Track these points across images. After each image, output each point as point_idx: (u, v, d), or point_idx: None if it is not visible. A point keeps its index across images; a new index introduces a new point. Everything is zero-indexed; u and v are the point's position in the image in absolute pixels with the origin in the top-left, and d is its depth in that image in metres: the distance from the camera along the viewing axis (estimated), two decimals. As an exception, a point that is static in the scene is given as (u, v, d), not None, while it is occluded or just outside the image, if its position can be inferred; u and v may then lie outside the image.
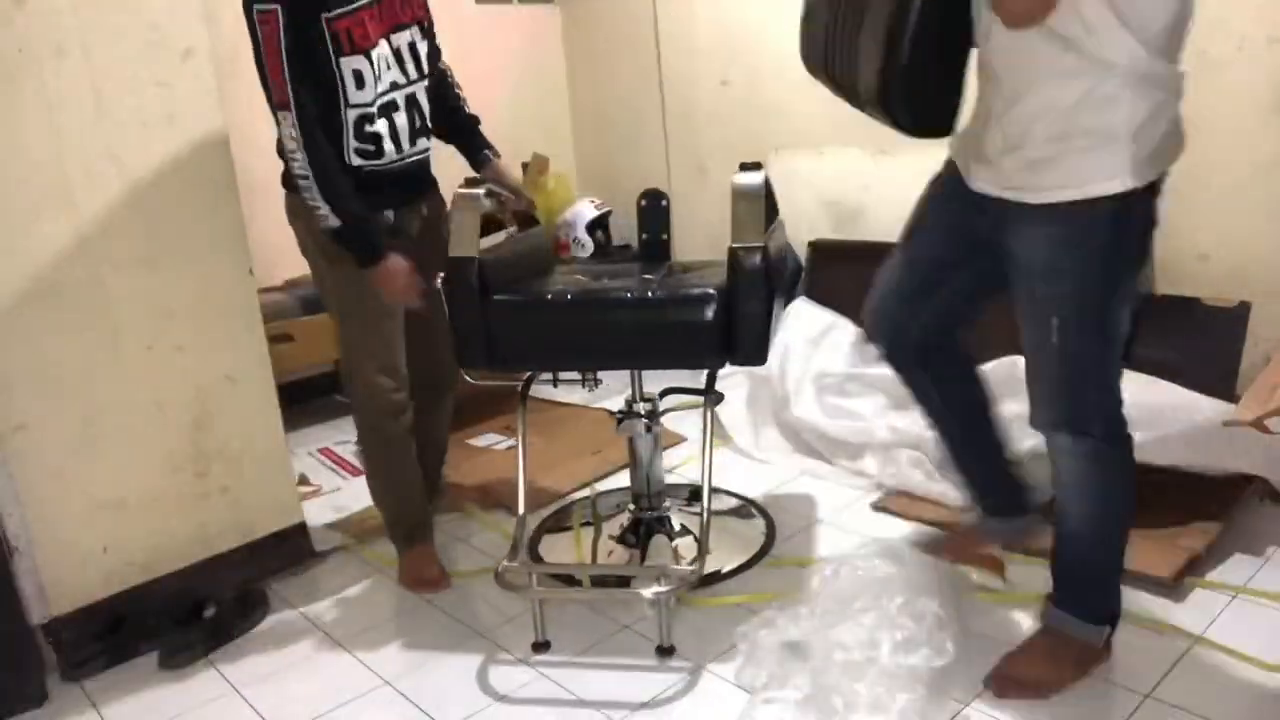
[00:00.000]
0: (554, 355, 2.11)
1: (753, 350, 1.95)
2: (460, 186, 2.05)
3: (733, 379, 3.00)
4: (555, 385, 2.32)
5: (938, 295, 1.71)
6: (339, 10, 1.80)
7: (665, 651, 1.84)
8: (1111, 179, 1.44)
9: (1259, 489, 2.17)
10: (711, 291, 1.93)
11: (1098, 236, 1.45)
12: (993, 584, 1.95)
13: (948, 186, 1.68)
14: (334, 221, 1.85)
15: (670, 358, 2.10)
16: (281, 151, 1.85)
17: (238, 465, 2.21)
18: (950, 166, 1.68)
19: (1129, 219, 1.48)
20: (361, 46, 1.85)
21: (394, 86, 1.94)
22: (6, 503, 1.89)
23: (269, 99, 1.79)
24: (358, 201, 1.89)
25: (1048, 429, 1.59)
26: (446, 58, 2.16)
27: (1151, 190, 1.51)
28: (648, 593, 1.94)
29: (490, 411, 3.19)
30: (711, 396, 2.16)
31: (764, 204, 1.96)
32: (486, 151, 2.21)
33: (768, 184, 2.00)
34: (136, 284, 2.00)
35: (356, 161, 1.93)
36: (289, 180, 1.92)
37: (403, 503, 2.21)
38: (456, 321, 2.00)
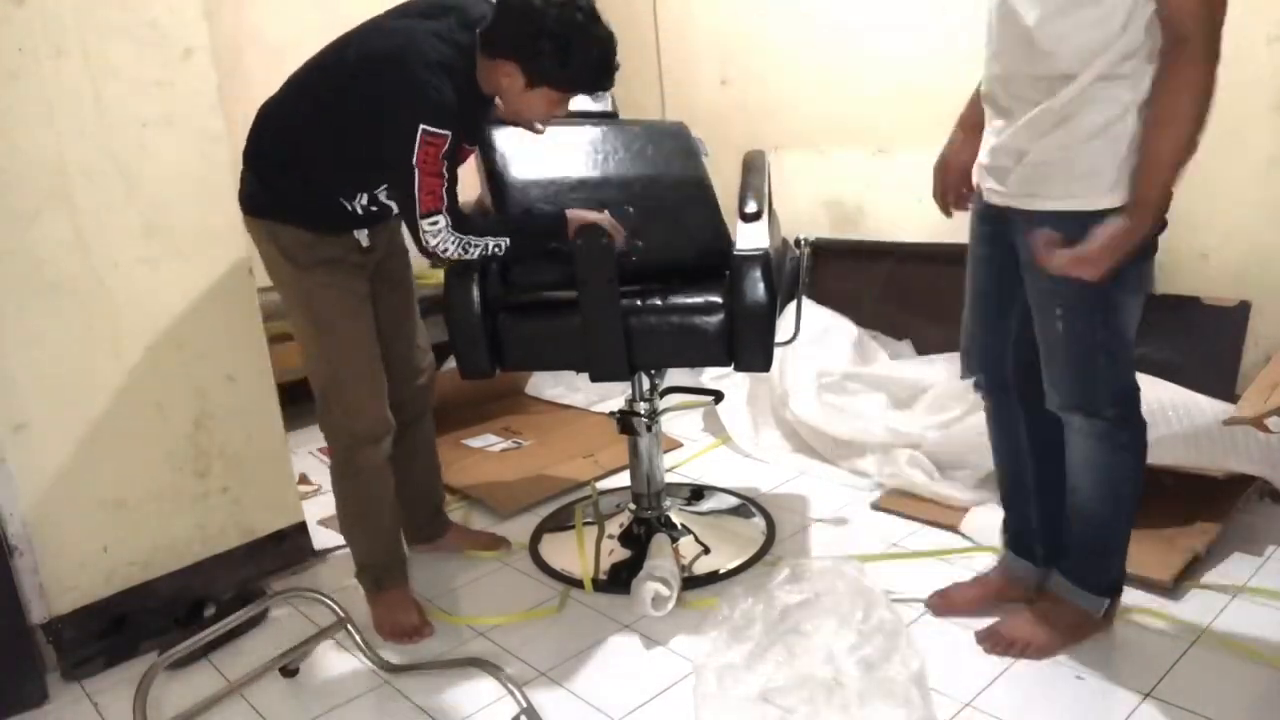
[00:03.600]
0: (557, 358, 2.11)
1: (756, 357, 1.96)
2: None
3: (733, 378, 3.00)
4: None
5: (1011, 320, 1.71)
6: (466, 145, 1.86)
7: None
8: (1113, 192, 1.45)
9: (1259, 488, 2.17)
10: (716, 300, 1.94)
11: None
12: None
13: (981, 210, 1.70)
14: (505, 244, 1.82)
15: (673, 362, 2.11)
16: (424, 248, 1.76)
17: (238, 465, 2.21)
18: (979, 191, 1.69)
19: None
20: None
21: None
22: (6, 503, 1.89)
23: (407, 206, 1.71)
24: (492, 219, 1.94)
25: (1062, 410, 1.63)
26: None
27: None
28: (647, 594, 1.95)
29: (490, 412, 3.19)
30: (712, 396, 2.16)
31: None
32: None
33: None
34: (136, 284, 2.00)
35: (359, 212, 1.86)
36: (252, 204, 1.88)
37: (375, 542, 2.04)
38: (457, 330, 2.00)
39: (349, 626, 1.93)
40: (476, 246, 1.78)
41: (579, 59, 1.70)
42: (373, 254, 1.95)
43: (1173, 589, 1.88)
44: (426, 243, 1.73)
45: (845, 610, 1.76)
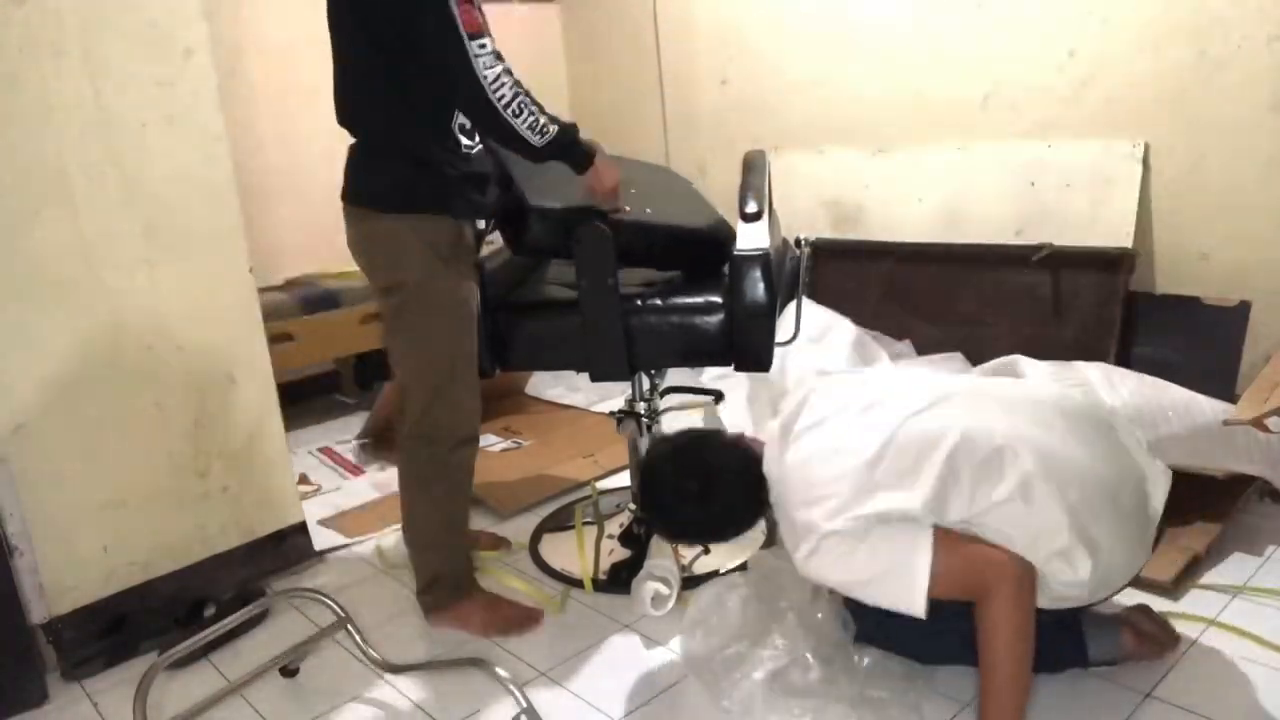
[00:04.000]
0: (557, 358, 2.11)
1: (756, 357, 1.96)
2: None
3: (733, 378, 2.99)
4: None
5: None
6: None
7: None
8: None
9: (1259, 488, 2.17)
10: (716, 300, 1.94)
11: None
12: None
13: None
14: (554, 129, 1.74)
15: (673, 362, 2.11)
16: (478, 87, 1.64)
17: (238, 465, 2.21)
18: None
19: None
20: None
21: None
22: (6, 503, 1.89)
23: (453, 41, 1.60)
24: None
25: None
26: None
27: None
28: (648, 594, 1.95)
29: (489, 412, 3.18)
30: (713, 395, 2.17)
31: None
32: None
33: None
34: (136, 284, 2.00)
35: (465, 144, 1.81)
36: (393, 199, 1.78)
37: (458, 548, 2.02)
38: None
39: (349, 626, 1.93)
40: (530, 111, 1.69)
41: None
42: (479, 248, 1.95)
43: (1173, 589, 1.88)
44: (483, 75, 1.62)
45: (810, 620, 1.74)
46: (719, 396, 2.61)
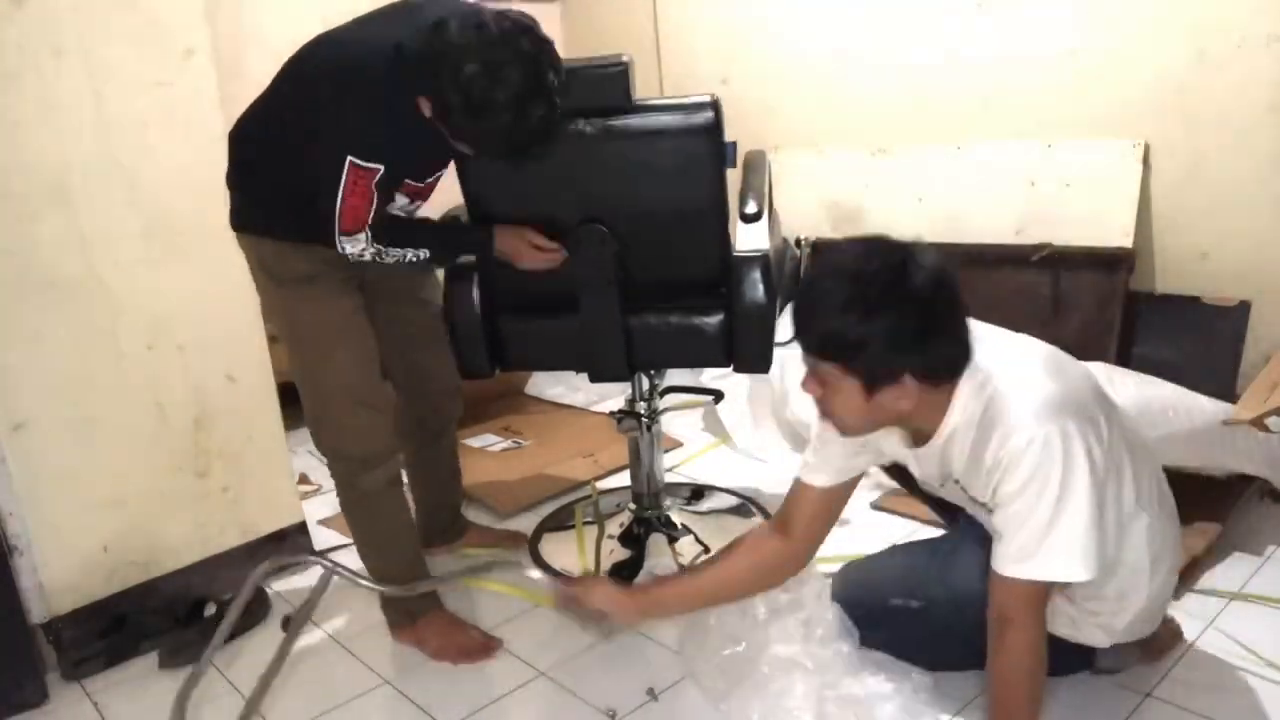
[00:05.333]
0: (557, 358, 2.11)
1: (756, 358, 1.96)
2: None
3: (733, 378, 2.99)
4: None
5: None
6: (411, 182, 1.76)
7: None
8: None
9: (1259, 488, 2.17)
10: (715, 300, 1.94)
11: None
12: None
13: None
14: (424, 254, 1.77)
15: (673, 363, 2.11)
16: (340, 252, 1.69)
17: (238, 465, 2.21)
18: None
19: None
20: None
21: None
22: (6, 503, 1.89)
23: (327, 217, 1.62)
24: (419, 227, 1.86)
25: None
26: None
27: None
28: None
29: (489, 412, 3.19)
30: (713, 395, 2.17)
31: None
32: None
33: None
34: (136, 284, 2.00)
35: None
36: (235, 219, 1.83)
37: (397, 568, 1.93)
38: (459, 330, 1.99)
39: (340, 570, 1.96)
40: (392, 256, 1.72)
41: (490, 128, 1.52)
42: (361, 267, 1.81)
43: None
44: (342, 248, 1.67)
45: (808, 621, 1.73)
46: (719, 396, 2.61)
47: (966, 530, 1.65)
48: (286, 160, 1.70)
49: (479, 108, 1.48)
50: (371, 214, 1.63)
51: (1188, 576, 1.91)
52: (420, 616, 1.94)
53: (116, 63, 1.91)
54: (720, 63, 3.50)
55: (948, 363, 1.33)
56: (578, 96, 1.74)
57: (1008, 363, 1.37)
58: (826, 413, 1.40)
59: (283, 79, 1.72)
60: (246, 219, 1.82)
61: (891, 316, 1.25)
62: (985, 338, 1.37)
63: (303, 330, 1.81)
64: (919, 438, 1.44)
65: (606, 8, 3.88)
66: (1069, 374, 1.40)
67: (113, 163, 1.94)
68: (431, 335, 2.04)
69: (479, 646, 1.91)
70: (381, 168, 1.57)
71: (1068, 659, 1.59)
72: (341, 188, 1.57)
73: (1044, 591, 1.35)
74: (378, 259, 1.72)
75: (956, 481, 1.46)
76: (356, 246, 1.67)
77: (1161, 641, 1.71)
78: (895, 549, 1.86)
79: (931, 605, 1.63)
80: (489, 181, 1.88)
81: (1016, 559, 1.33)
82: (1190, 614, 1.82)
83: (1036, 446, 1.28)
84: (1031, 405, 1.31)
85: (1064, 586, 1.43)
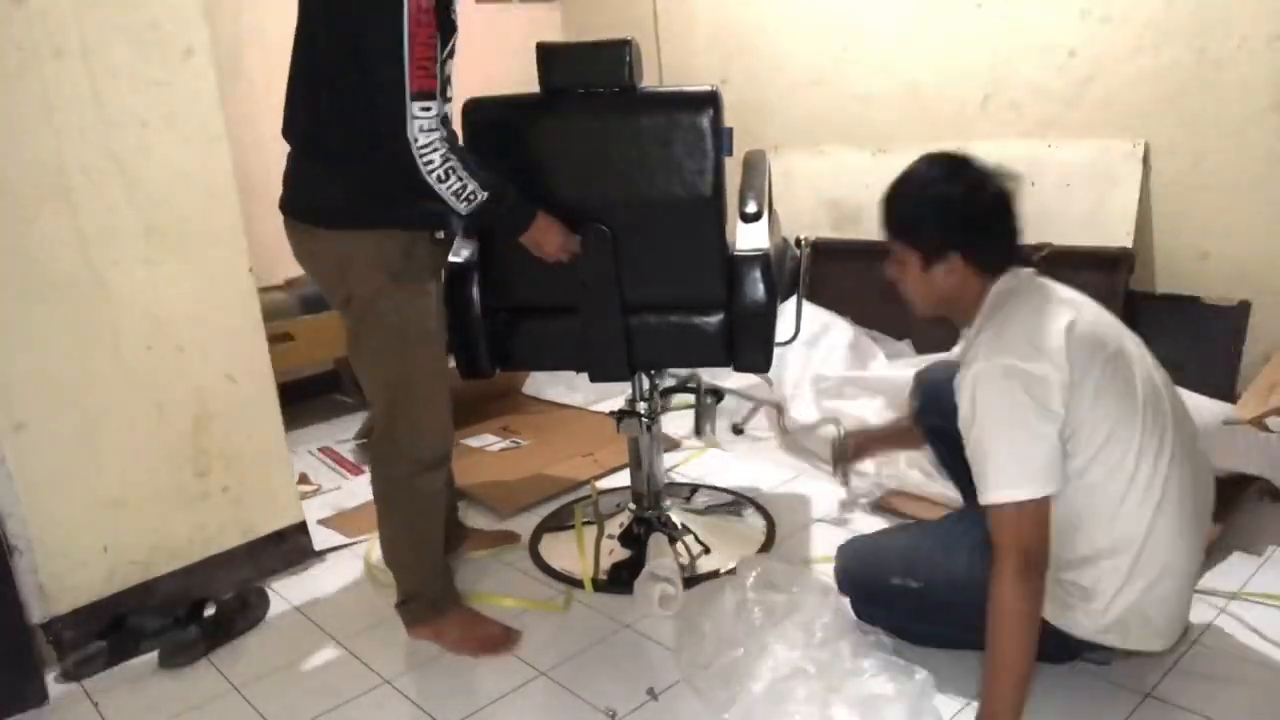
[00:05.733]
0: (557, 358, 2.11)
1: (756, 357, 1.97)
2: None
3: (732, 379, 3.00)
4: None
5: None
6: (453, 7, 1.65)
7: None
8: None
9: (1259, 488, 2.17)
10: (716, 300, 1.94)
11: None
12: None
13: None
14: (481, 196, 1.65)
15: (674, 362, 2.10)
16: (403, 150, 1.56)
17: (238, 465, 2.21)
18: None
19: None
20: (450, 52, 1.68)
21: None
22: (6, 503, 1.89)
23: (394, 83, 1.51)
24: (485, 170, 1.68)
25: None
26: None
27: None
28: (655, 594, 1.95)
29: (488, 412, 3.19)
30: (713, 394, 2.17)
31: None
32: None
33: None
34: (136, 284, 2.00)
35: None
36: (342, 215, 1.70)
37: (433, 567, 1.95)
38: (458, 330, 1.98)
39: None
40: (458, 178, 1.61)
41: None
42: (441, 257, 1.87)
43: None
44: (414, 137, 1.54)
45: (807, 623, 1.73)
46: (719, 396, 2.61)
47: (969, 513, 1.67)
48: (360, 78, 1.57)
49: None
50: (438, 70, 1.54)
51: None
52: (446, 613, 1.95)
53: (116, 63, 1.91)
54: (720, 63, 3.50)
55: (992, 252, 1.54)
56: (582, 75, 1.86)
57: (1033, 291, 1.53)
58: (902, 291, 1.64)
59: (302, 39, 1.67)
60: (361, 212, 1.70)
61: (944, 202, 1.53)
62: (1051, 285, 1.56)
63: (414, 328, 1.76)
64: (960, 325, 1.62)
65: (606, 7, 3.89)
66: (1064, 327, 1.46)
67: (113, 163, 1.94)
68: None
69: (500, 638, 1.92)
70: None
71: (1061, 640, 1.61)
72: (406, 19, 1.48)
73: (1017, 518, 1.41)
74: (444, 175, 1.59)
75: None
76: (429, 131, 1.54)
77: None
78: (897, 529, 1.91)
79: (930, 586, 1.66)
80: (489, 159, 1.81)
81: (983, 489, 1.44)
82: (1190, 613, 1.82)
83: (969, 380, 1.45)
84: (1001, 336, 1.46)
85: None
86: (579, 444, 2.92)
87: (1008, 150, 2.75)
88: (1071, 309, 1.49)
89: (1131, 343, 1.55)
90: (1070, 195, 2.64)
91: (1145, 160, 2.53)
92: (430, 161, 1.58)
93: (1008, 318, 1.49)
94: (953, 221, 1.53)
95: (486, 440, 3.02)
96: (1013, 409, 1.42)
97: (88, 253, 1.93)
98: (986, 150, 2.77)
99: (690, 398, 2.62)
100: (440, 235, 1.84)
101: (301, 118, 1.73)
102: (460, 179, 1.62)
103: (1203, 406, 2.10)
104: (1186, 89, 2.45)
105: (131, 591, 2.07)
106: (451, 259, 2.02)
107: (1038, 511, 1.41)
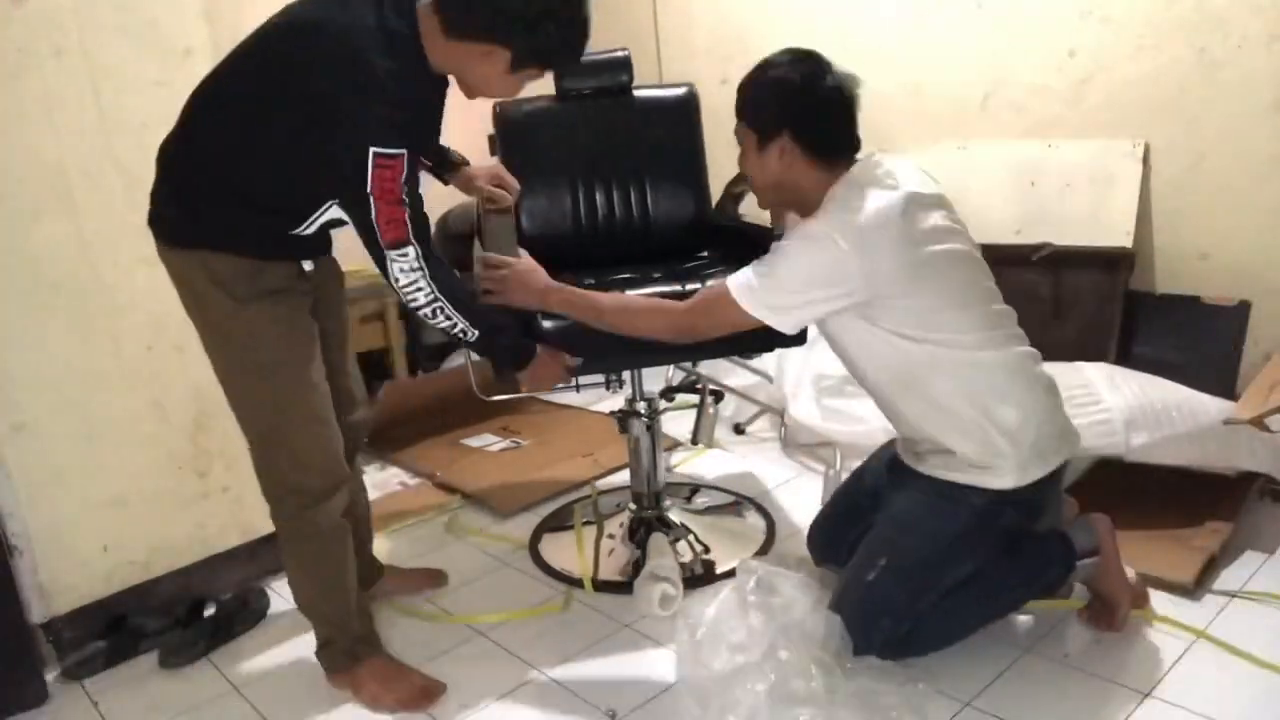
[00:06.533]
0: (601, 359, 2.01)
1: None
2: (479, 183, 1.96)
3: (730, 379, 3.00)
4: (578, 390, 2.15)
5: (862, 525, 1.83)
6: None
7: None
8: (983, 474, 1.65)
9: (1260, 488, 2.17)
10: None
11: (957, 518, 1.66)
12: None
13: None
14: (473, 335, 1.65)
15: (717, 348, 2.07)
16: (392, 286, 1.56)
17: (238, 465, 2.20)
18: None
19: (994, 513, 1.67)
20: None
21: None
22: (6, 503, 1.89)
23: (368, 238, 1.51)
24: (483, 304, 1.73)
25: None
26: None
27: (1035, 488, 1.67)
28: (655, 594, 1.95)
29: (488, 412, 3.19)
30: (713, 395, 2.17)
31: None
32: (450, 157, 1.98)
33: None
34: (136, 284, 2.00)
35: (312, 233, 1.67)
36: (176, 234, 1.63)
37: (345, 610, 1.78)
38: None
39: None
40: (445, 316, 1.60)
41: (571, 35, 1.54)
42: (314, 280, 1.73)
43: (1194, 590, 1.87)
44: (395, 279, 1.53)
45: (806, 624, 1.72)
46: (719, 396, 2.61)
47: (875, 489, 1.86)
48: (262, 165, 1.54)
49: (569, 22, 1.52)
50: (411, 220, 1.50)
51: (1204, 577, 1.91)
52: (363, 660, 1.79)
53: (116, 63, 1.91)
54: (719, 63, 3.50)
55: (823, 140, 1.68)
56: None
57: (872, 182, 1.67)
58: (744, 170, 1.75)
59: (245, 73, 1.54)
60: (197, 232, 1.60)
61: (780, 83, 1.67)
62: (902, 168, 1.73)
63: (269, 354, 1.64)
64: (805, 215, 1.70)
65: (606, 9, 3.87)
66: (882, 210, 1.61)
67: (113, 163, 1.94)
68: (346, 350, 1.89)
69: (420, 693, 1.77)
70: (404, 152, 1.45)
71: (1047, 568, 1.74)
72: (369, 188, 1.44)
73: (726, 311, 1.64)
74: (431, 314, 1.59)
75: None
76: (408, 272, 1.53)
77: (1120, 608, 1.76)
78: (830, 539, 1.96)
79: (896, 549, 1.69)
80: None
81: (737, 278, 1.64)
82: (1191, 613, 1.82)
83: (801, 231, 1.63)
84: (835, 211, 1.62)
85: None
86: (579, 444, 2.92)
87: (1008, 150, 2.77)
88: (901, 196, 1.62)
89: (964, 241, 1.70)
90: (1070, 195, 2.64)
91: (1145, 160, 2.53)
92: (415, 301, 1.58)
93: (844, 202, 1.62)
94: (786, 103, 1.65)
95: (487, 440, 3.02)
96: (809, 263, 1.59)
97: (88, 253, 1.93)
98: (987, 150, 2.81)
99: (692, 397, 2.63)
100: (309, 269, 1.73)
101: (207, 146, 1.59)
102: (449, 318, 1.61)
103: (1206, 406, 2.10)
104: (1186, 89, 2.45)
105: (131, 591, 2.07)
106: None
107: (740, 321, 1.64)
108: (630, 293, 1.87)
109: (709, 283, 1.74)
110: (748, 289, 1.62)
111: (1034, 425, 1.65)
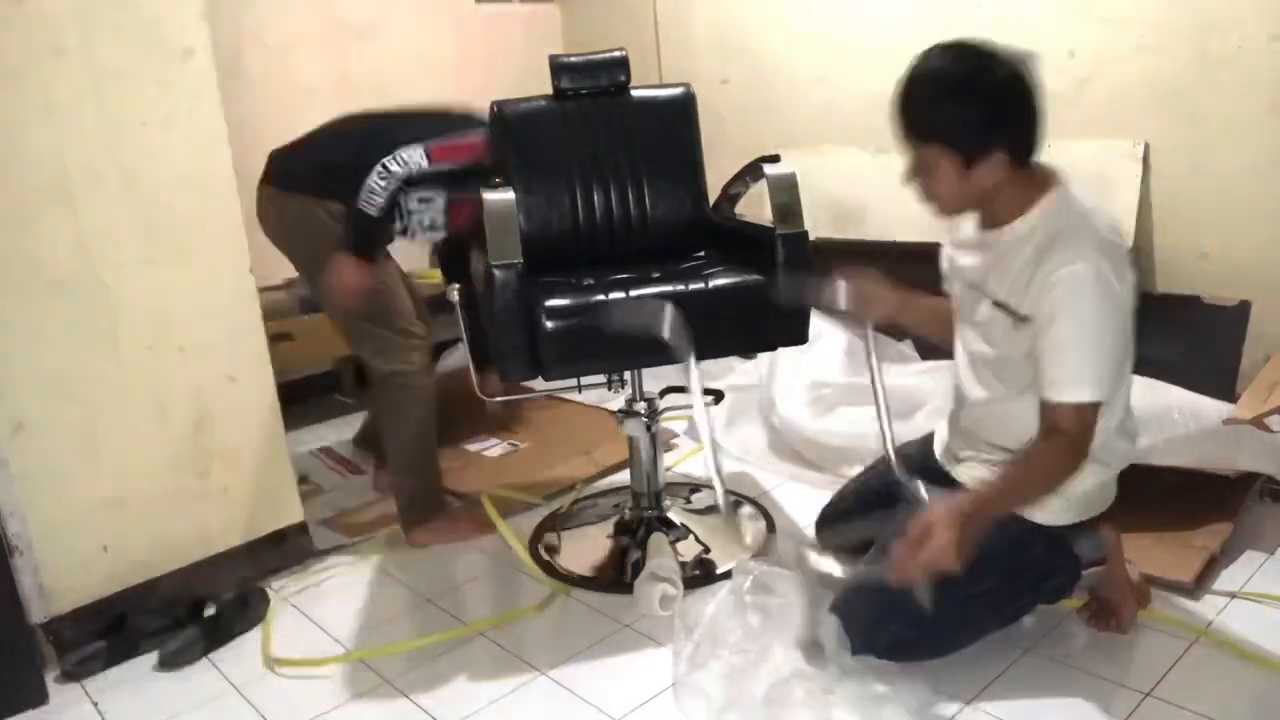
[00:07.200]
0: (604, 360, 2.04)
1: (798, 329, 2.06)
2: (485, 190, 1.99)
3: (725, 380, 3.01)
4: (579, 390, 2.23)
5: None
6: None
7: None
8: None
9: (1260, 488, 2.17)
10: (761, 279, 2.00)
11: (990, 539, 1.52)
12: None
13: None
14: (372, 210, 2.12)
15: (718, 348, 2.08)
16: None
17: (238, 465, 2.21)
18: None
19: (1025, 543, 1.63)
20: None
21: None
22: (6, 503, 1.89)
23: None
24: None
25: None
26: (447, 58, 2.18)
27: (1072, 527, 1.66)
28: (655, 594, 1.95)
29: (486, 414, 3.18)
30: (712, 395, 2.17)
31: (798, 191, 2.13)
32: None
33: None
34: (136, 284, 2.00)
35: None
36: (317, 182, 2.24)
37: (434, 466, 2.38)
38: (503, 334, 1.90)
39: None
40: (376, 194, 2.12)
41: None
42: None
43: (1195, 589, 1.88)
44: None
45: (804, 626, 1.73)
46: (719, 396, 2.60)
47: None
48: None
49: None
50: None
51: (1205, 577, 1.91)
52: (443, 508, 2.42)
53: (116, 63, 1.92)
54: (720, 63, 3.51)
55: (1031, 139, 1.53)
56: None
57: (1092, 208, 1.56)
58: (928, 197, 1.60)
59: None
60: (326, 188, 2.25)
61: (983, 100, 1.50)
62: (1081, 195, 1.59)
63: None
64: (995, 220, 1.59)
65: (606, 7, 3.89)
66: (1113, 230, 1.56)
67: (113, 163, 1.94)
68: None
69: (478, 525, 2.41)
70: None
71: (1053, 577, 1.71)
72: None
73: (1077, 416, 1.48)
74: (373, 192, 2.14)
75: (974, 288, 1.65)
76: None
77: (1125, 612, 1.76)
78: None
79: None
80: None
81: (1063, 384, 1.48)
82: (1191, 612, 1.82)
83: (1088, 279, 1.45)
84: (1092, 241, 1.48)
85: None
86: (576, 443, 2.92)
87: (1008, 150, 2.76)
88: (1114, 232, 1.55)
89: None
90: (1070, 195, 2.63)
91: (1145, 160, 2.53)
92: (369, 195, 2.14)
93: (1091, 228, 1.50)
94: (993, 114, 1.50)
95: (485, 444, 3.01)
96: (1102, 316, 1.45)
97: (88, 253, 1.93)
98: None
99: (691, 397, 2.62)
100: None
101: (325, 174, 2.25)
102: (376, 192, 2.12)
103: (1207, 408, 2.10)
104: (1186, 89, 2.45)
105: (131, 591, 2.07)
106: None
107: (1094, 414, 1.49)
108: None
109: (1041, 401, 1.51)
110: (1092, 382, 1.46)
111: (1096, 480, 1.63)
